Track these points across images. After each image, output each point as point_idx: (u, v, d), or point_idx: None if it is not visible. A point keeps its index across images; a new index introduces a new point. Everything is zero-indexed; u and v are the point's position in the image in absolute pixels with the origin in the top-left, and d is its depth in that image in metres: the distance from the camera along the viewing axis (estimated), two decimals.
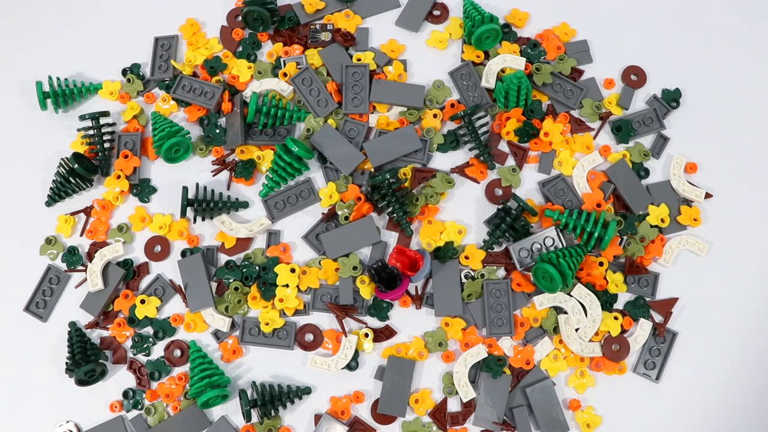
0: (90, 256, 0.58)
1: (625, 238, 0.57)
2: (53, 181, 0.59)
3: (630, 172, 0.59)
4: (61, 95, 0.62)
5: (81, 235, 0.59)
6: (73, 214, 0.60)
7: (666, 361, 0.54)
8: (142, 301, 0.56)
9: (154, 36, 0.66)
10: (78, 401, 0.55)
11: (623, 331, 0.55)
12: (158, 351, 0.56)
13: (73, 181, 0.59)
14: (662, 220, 0.57)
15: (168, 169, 0.61)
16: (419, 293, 0.56)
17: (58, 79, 0.63)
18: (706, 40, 0.65)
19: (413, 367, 0.54)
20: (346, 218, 0.57)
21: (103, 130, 0.60)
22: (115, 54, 0.66)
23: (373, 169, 0.59)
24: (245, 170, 0.59)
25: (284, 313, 0.56)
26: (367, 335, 0.55)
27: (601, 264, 0.56)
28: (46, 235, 0.59)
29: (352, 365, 0.54)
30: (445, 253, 0.56)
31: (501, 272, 0.57)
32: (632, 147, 0.60)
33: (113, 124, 0.62)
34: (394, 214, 0.56)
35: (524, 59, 0.61)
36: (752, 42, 0.65)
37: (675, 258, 0.57)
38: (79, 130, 0.60)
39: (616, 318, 0.54)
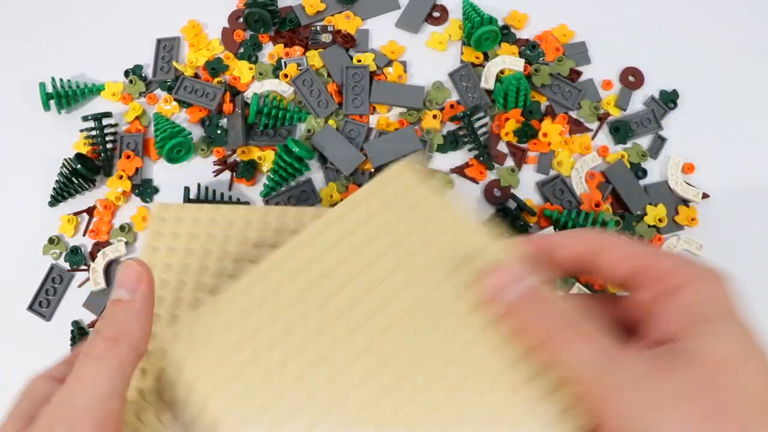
0: (92, 256, 0.59)
1: None
2: (56, 181, 0.60)
3: (628, 173, 0.59)
4: (63, 96, 0.63)
5: (84, 234, 0.60)
6: (75, 214, 0.60)
7: None
8: None
9: (156, 38, 0.66)
10: None
11: None
12: None
13: (75, 182, 0.59)
14: (660, 220, 0.58)
15: (170, 170, 0.62)
16: None
17: (60, 80, 0.64)
18: (703, 41, 0.65)
19: None
20: None
21: (105, 131, 0.61)
22: (117, 55, 0.66)
23: (373, 170, 0.60)
24: (246, 171, 0.60)
25: None
26: None
27: None
28: (49, 234, 0.59)
29: None
30: None
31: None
32: (630, 148, 0.61)
33: (115, 125, 0.62)
34: None
35: (523, 60, 0.62)
36: (750, 44, 0.65)
37: None
38: (81, 130, 0.60)
39: None
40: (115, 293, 0.29)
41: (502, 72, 0.62)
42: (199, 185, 0.58)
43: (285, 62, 0.64)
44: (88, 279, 0.58)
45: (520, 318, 0.28)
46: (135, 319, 0.28)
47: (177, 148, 0.59)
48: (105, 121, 0.61)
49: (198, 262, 0.37)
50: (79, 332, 0.55)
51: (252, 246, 0.37)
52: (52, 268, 0.59)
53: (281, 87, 0.63)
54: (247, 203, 0.60)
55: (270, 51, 0.65)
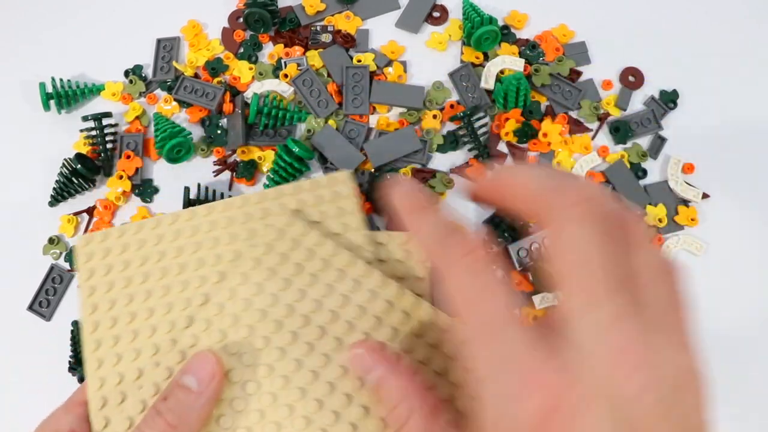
0: None
1: None
2: (56, 181, 0.60)
3: (628, 173, 0.59)
4: (63, 96, 0.63)
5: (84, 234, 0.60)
6: (75, 214, 0.60)
7: None
8: None
9: (156, 38, 0.66)
10: None
11: None
12: None
13: (75, 182, 0.59)
14: (660, 220, 0.58)
15: (170, 170, 0.62)
16: None
17: (60, 80, 0.64)
18: (703, 41, 0.65)
19: None
20: None
21: (105, 131, 0.61)
22: (117, 55, 0.66)
23: (373, 170, 0.60)
24: (246, 171, 0.60)
25: None
26: None
27: None
28: (49, 234, 0.59)
29: None
30: None
31: (499, 272, 0.57)
32: (630, 148, 0.61)
33: (115, 125, 0.62)
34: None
35: (523, 60, 0.62)
36: (750, 44, 0.65)
37: (672, 257, 0.57)
38: (81, 130, 0.60)
39: None
40: (184, 379, 0.30)
41: (502, 72, 0.62)
42: (199, 185, 0.58)
43: (285, 62, 0.64)
44: None
45: (383, 399, 0.29)
46: (197, 412, 0.29)
47: (177, 148, 0.60)
48: (105, 121, 0.61)
49: (141, 288, 0.36)
50: (79, 332, 0.55)
51: (191, 254, 0.37)
52: (52, 268, 0.59)
53: (281, 87, 0.63)
54: None
55: (270, 51, 0.65)
